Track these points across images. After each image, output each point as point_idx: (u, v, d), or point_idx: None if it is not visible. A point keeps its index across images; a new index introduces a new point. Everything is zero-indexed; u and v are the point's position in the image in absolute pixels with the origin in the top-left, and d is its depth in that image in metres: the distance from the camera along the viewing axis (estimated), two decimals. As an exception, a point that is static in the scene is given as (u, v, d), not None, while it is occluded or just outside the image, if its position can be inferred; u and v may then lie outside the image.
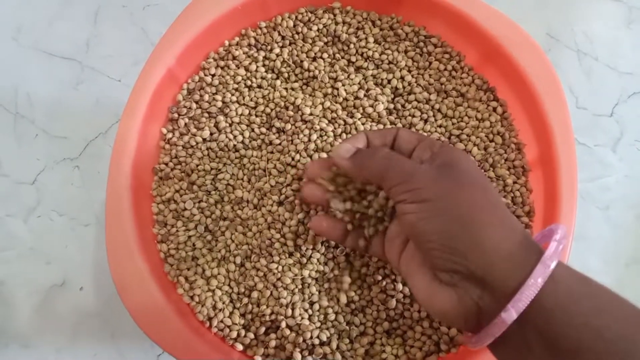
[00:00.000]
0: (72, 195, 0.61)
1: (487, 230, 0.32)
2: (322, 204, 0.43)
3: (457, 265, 0.32)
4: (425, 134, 0.48)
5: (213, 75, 0.50)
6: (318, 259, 0.45)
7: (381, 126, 0.48)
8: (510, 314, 0.30)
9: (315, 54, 0.51)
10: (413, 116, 0.49)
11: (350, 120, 0.48)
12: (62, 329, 0.56)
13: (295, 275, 0.44)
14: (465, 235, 0.32)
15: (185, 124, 0.49)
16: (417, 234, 0.34)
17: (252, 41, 0.51)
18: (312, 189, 0.42)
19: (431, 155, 0.36)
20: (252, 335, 0.44)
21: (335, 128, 0.48)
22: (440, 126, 0.49)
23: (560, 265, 0.31)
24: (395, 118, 0.49)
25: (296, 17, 0.52)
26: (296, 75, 0.51)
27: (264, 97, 0.50)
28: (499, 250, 0.31)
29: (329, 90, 0.50)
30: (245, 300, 0.45)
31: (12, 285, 0.58)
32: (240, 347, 0.44)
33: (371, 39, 0.51)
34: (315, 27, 0.51)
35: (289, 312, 0.44)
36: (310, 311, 0.44)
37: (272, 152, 0.48)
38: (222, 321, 0.44)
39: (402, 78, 0.50)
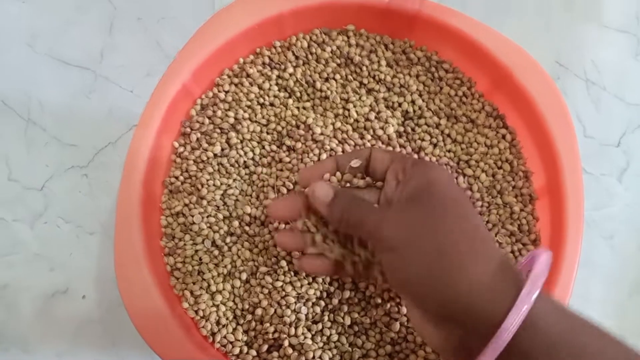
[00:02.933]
0: (79, 203, 0.61)
1: (462, 272, 0.30)
2: (299, 250, 0.42)
3: (439, 309, 0.32)
4: (434, 158, 0.49)
5: (227, 92, 0.51)
6: (323, 279, 0.45)
7: (390, 148, 0.49)
8: (489, 356, 0.29)
9: (327, 74, 0.52)
10: (423, 140, 0.49)
11: (360, 142, 0.48)
12: (64, 335, 0.57)
13: (300, 294, 0.45)
14: (440, 281, 0.31)
15: (197, 139, 0.49)
16: (394, 286, 0.33)
17: (267, 60, 0.51)
18: (286, 235, 0.41)
19: (403, 178, 0.35)
20: (254, 353, 0.44)
21: (345, 148, 0.48)
22: (449, 151, 0.50)
23: (540, 298, 0.30)
24: (405, 141, 0.49)
25: (310, 38, 0.52)
26: (308, 95, 0.52)
27: (275, 115, 0.50)
28: (477, 290, 0.30)
29: (340, 111, 0.50)
30: (249, 317, 0.45)
31: (16, 290, 0.58)
32: (242, 363, 0.44)
33: (383, 62, 0.52)
34: (328, 49, 0.52)
35: (292, 331, 0.44)
36: (313, 330, 0.45)
37: (281, 170, 0.49)
38: (225, 337, 0.44)
39: (413, 102, 0.51)
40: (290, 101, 0.51)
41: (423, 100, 0.51)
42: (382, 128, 0.49)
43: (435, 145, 0.50)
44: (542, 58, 0.49)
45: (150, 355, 0.56)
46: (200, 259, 0.46)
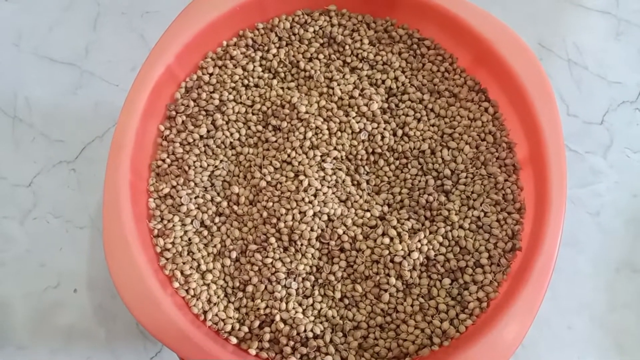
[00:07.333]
0: (68, 197, 0.61)
1: None
2: None
3: None
4: (418, 133, 0.50)
5: (211, 75, 0.51)
6: (312, 254, 0.46)
7: (375, 125, 0.49)
8: None
9: (311, 54, 0.52)
10: (407, 115, 0.50)
11: (345, 119, 0.49)
12: (57, 330, 0.56)
13: (290, 269, 0.45)
14: None
15: (183, 122, 0.49)
16: None
17: (250, 42, 0.52)
18: None
19: None
20: (246, 329, 0.44)
21: (330, 126, 0.49)
22: (433, 125, 0.50)
23: None
24: (390, 117, 0.50)
25: (293, 19, 0.53)
26: (292, 75, 0.52)
27: (260, 95, 0.51)
28: None
29: (325, 90, 0.51)
30: (240, 294, 0.45)
31: (8, 287, 0.58)
32: (234, 340, 0.44)
33: (366, 41, 0.52)
34: (311, 29, 0.52)
35: (283, 306, 0.44)
36: (304, 305, 0.45)
37: (267, 150, 0.49)
38: (216, 315, 0.44)
39: (396, 78, 0.51)
40: (275, 82, 0.51)
41: (406, 77, 0.52)
42: (366, 105, 0.49)
43: (419, 120, 0.50)
44: (525, 40, 0.50)
45: (143, 348, 0.56)
46: (190, 239, 0.47)
